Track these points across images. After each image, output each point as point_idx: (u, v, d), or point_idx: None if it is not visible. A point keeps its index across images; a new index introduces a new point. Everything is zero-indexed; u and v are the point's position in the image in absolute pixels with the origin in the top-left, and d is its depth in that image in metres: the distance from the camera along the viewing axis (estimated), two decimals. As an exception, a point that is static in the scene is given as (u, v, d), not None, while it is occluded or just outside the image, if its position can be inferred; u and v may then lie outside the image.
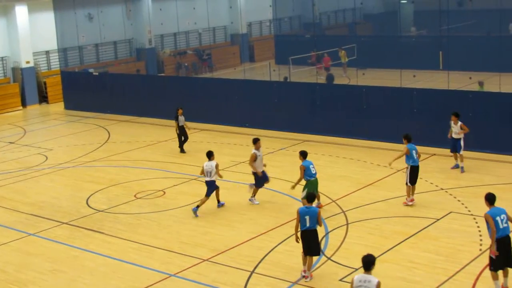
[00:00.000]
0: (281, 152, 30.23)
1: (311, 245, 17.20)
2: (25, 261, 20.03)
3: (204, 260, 19.09)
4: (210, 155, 22.99)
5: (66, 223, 22.95)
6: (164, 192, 25.51)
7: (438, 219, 20.76)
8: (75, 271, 19.08)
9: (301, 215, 17.07)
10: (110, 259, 19.71)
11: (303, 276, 17.40)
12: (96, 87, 43.00)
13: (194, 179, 26.85)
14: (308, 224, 17.08)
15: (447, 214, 21.13)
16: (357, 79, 37.45)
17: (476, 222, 20.18)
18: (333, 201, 23.17)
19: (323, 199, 23.17)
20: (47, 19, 48.73)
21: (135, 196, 25.21)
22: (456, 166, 26.01)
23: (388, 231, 20.20)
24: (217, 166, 22.77)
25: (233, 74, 49.61)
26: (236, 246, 19.97)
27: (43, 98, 48.13)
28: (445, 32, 48.98)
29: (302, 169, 21.73)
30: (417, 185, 22.58)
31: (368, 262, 13.09)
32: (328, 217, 21.55)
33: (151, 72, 53.04)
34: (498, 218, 15.39)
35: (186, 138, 31.56)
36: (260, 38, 64.63)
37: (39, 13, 48.32)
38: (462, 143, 25.55)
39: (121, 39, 54.24)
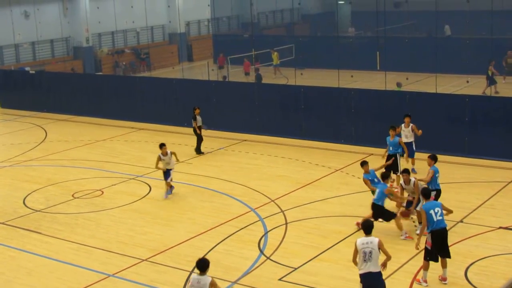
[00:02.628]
0: (220, 152, 30.19)
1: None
2: (-40, 262, 19.72)
3: (143, 260, 18.98)
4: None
5: (2, 223, 22.58)
6: (102, 192, 25.28)
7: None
8: (12, 272, 18.79)
9: None
10: (48, 260, 19.46)
11: None
12: (32, 86, 42.34)
13: (133, 178, 26.68)
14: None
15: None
16: (295, 79, 37.57)
17: (414, 221, 20.40)
18: (272, 200, 23.22)
19: (262, 199, 23.26)
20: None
21: (73, 195, 24.95)
22: (414, 171, 24.77)
23: (327, 231, 20.31)
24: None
25: (171, 73, 49.46)
26: (175, 246, 19.89)
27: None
28: (382, 33, 49.55)
29: None
30: (353, 185, 22.77)
31: (369, 227, 14.42)
32: (267, 217, 21.60)
33: (88, 71, 52.49)
34: (432, 212, 16.02)
35: (201, 139, 30.23)
36: (198, 37, 64.50)
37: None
38: (414, 146, 25.01)
39: (58, 38, 53.54)
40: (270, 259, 18.49)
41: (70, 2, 53.52)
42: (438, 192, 19.60)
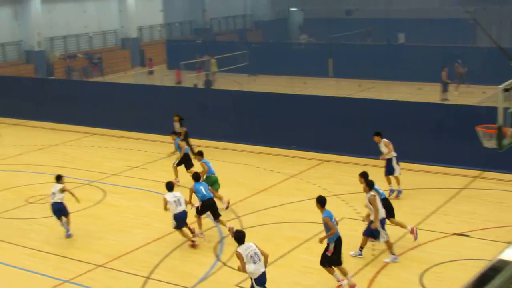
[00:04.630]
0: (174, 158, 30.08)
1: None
2: None
3: (99, 266, 18.86)
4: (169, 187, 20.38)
5: (-46, 229, 22.31)
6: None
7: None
8: (-36, 278, 18.56)
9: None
10: (2, 265, 19.23)
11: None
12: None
13: (87, 183, 26.47)
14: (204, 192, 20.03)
15: (340, 220, 21.45)
16: (249, 85, 37.72)
17: (373, 245, 20.45)
18: (227, 206, 23.21)
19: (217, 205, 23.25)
20: None
21: (26, 201, 24.66)
22: (392, 191, 23.47)
23: (283, 237, 20.37)
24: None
25: (124, 78, 49.28)
26: (130, 251, 19.79)
27: None
28: (334, 40, 49.96)
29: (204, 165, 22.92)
30: (309, 191, 22.90)
31: (241, 237, 14.89)
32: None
33: (40, 75, 51.94)
34: (333, 220, 16.54)
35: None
36: (151, 42, 64.28)
37: None
38: (394, 163, 23.29)
39: (9, 41, 52.99)
40: (226, 265, 18.49)
41: (21, 5, 52.97)
42: (386, 201, 19.09)
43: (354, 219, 21.46)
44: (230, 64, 49.50)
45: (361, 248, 18.63)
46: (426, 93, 39.42)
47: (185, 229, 19.96)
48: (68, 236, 21.02)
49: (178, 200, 19.72)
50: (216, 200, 21.07)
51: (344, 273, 16.72)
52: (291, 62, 47.80)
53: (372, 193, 18.09)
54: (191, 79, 46.30)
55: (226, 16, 72.82)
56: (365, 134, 26.34)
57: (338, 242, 16.59)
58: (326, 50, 45.94)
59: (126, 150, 31.64)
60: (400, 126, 27.60)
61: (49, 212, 22.81)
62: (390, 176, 23.47)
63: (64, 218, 21.03)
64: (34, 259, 19.61)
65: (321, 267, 16.81)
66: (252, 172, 27.61)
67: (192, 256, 19.02)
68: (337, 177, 26.25)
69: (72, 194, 20.98)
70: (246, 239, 14.77)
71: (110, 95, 36.52)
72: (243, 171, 27.79)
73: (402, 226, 19.28)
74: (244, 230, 15.25)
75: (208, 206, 20.33)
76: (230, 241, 20.03)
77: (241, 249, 14.76)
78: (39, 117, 38.59)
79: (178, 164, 25.98)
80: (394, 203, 20.00)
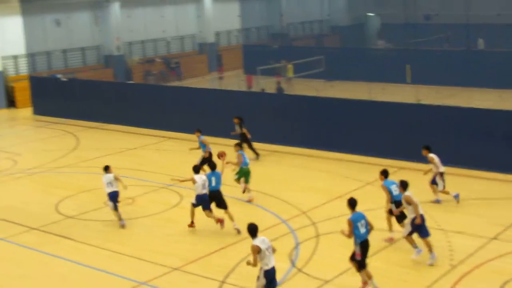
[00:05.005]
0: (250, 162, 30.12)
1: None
2: (-6, 266, 19.84)
3: (175, 269, 19.00)
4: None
5: (35, 229, 22.76)
6: (134, 200, 25.33)
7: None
8: (45, 278, 18.96)
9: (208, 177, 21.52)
10: (81, 266, 19.55)
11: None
12: (64, 93, 42.66)
13: (163, 187, 26.72)
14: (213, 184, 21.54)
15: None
16: (326, 91, 37.51)
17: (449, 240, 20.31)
18: (303, 212, 23.16)
19: (293, 211, 23.24)
20: (16, 23, 48.37)
21: (104, 203, 24.96)
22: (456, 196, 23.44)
23: (359, 243, 20.16)
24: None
25: (200, 83, 49.63)
26: (207, 255, 19.89)
27: (10, 102, 47.71)
28: (412, 45, 49.37)
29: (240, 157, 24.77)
30: (384, 198, 22.76)
31: (254, 229, 15.28)
32: (298, 229, 21.56)
33: (119, 80, 52.65)
34: (358, 224, 16.66)
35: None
36: (228, 47, 64.60)
37: (8, 17, 47.95)
38: (438, 178, 23.35)
39: (89, 45, 53.96)
40: (302, 271, 18.43)
41: (101, 10, 53.91)
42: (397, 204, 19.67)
43: (437, 229, 21.05)
44: (306, 69, 49.20)
45: (415, 246, 18.67)
46: (508, 100, 38.55)
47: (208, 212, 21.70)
48: (123, 224, 22.55)
49: (204, 184, 21.56)
50: (246, 192, 24.32)
51: (369, 276, 16.99)
52: (368, 68, 47.39)
53: (407, 193, 18.64)
54: (267, 85, 46.33)
55: (302, 21, 72.68)
56: (450, 142, 25.99)
57: (364, 244, 16.76)
58: (404, 56, 45.49)
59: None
60: (483, 133, 27.14)
61: (126, 214, 23.21)
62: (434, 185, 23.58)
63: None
64: (111, 260, 19.91)
65: (393, 275, 16.64)
66: (328, 178, 27.47)
67: (268, 262, 19.02)
68: (415, 185, 25.83)
69: (121, 182, 22.71)
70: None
71: (186, 99, 36.73)
72: (319, 177, 27.64)
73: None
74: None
75: (213, 197, 21.74)
76: (306, 247, 20.05)
77: (258, 242, 15.15)
78: (118, 121, 39.09)
79: (202, 163, 26.17)
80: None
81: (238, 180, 24.94)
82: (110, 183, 22.49)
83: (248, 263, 15.20)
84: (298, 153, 31.35)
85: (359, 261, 16.84)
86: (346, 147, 30.71)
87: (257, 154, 30.55)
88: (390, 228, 20.07)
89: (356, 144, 30.44)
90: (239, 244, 20.58)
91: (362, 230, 16.65)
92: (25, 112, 45.19)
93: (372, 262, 18.73)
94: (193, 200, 21.82)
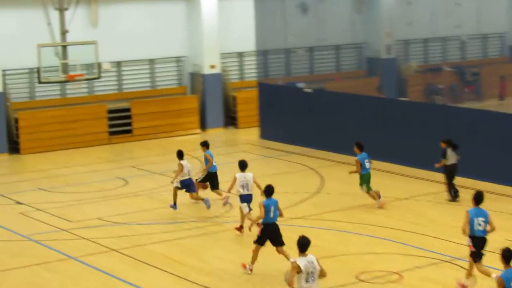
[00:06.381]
0: None
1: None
2: None
3: None
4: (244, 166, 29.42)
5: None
6: (401, 276, 25.14)
7: None
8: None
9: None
10: None
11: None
12: (307, 111, 43.25)
13: (447, 260, 26.15)
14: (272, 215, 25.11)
15: None
16: None
17: None
18: None
19: None
20: (243, 8, 50.09)
21: (356, 277, 24.80)
22: None
23: None
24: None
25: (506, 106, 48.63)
26: None
27: (230, 119, 48.93)
28: None
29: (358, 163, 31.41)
30: None
31: (305, 244, 18.54)
32: None
33: (387, 94, 52.23)
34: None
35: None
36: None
37: (232, 0, 49.36)
38: None
39: (346, 43, 54.33)
40: None
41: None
42: None
43: None
44: None
45: None
46: None
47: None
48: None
49: (247, 184, 28.85)
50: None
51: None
52: None
53: None
54: None
55: None
56: None
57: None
58: None
59: None
60: None
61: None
62: None
63: (194, 195, 32.54)
64: None
65: None
66: None
67: None
68: None
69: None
70: None
71: (500, 131, 35.72)
72: None
73: None
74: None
75: (271, 232, 25.30)
76: None
77: (301, 261, 18.21)
78: (382, 156, 38.61)
79: (202, 181, 33.14)
80: None
81: (367, 190, 31.69)
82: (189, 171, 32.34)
83: (286, 281, 18.36)
84: None
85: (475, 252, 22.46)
86: None
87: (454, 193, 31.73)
88: None
89: None
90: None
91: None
92: (249, 134, 46.32)
93: None
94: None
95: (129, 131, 47.88)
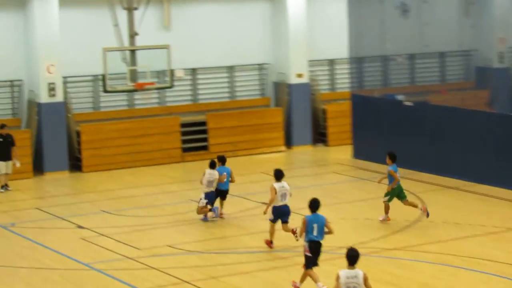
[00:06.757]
0: None
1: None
2: None
3: None
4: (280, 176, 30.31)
5: None
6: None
7: None
8: None
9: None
10: None
11: None
12: (407, 127, 42.75)
13: None
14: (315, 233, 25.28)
15: None
16: None
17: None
18: None
19: None
20: (335, 10, 49.76)
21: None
22: None
23: None
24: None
25: None
26: None
27: (319, 135, 48.58)
28: None
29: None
30: None
31: (353, 257, 19.48)
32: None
33: (500, 108, 51.43)
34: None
35: None
36: None
37: (323, 1, 49.03)
38: None
39: (452, 50, 53.69)
40: None
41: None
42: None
43: None
44: None
45: None
46: None
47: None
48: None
49: (285, 194, 29.93)
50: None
51: None
52: None
53: None
54: None
55: None
56: None
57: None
58: None
59: None
60: None
61: None
62: None
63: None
64: None
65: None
66: None
67: None
68: None
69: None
70: None
71: None
72: None
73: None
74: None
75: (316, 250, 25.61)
76: None
77: (344, 273, 19.33)
78: (490, 180, 38.10)
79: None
80: None
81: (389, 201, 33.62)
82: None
83: None
84: None
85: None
86: None
87: None
88: None
89: None
90: None
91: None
92: (341, 152, 46.14)
93: None
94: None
95: (204, 148, 47.89)
